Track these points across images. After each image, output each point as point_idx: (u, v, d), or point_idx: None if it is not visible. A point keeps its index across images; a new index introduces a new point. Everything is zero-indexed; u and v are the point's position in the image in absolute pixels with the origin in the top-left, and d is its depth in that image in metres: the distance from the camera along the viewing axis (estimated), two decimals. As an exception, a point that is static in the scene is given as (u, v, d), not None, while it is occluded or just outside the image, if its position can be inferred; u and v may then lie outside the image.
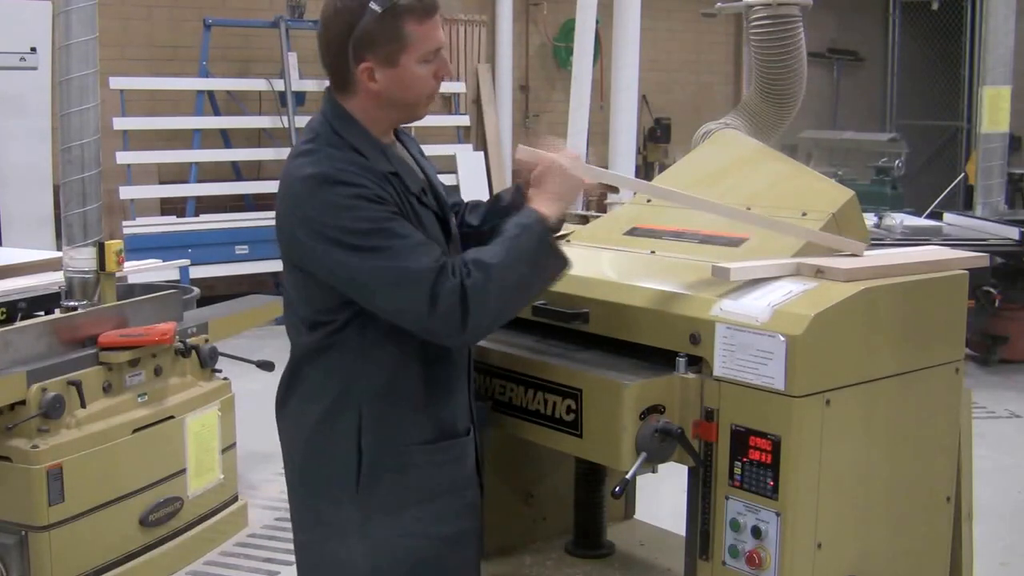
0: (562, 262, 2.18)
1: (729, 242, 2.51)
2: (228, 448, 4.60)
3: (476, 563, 2.37)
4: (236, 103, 9.46)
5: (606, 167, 7.45)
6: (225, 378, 4.64)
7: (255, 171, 9.60)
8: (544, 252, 2.14)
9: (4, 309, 4.21)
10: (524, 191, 2.32)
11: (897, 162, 9.87)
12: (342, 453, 2.20)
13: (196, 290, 5.03)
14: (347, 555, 2.23)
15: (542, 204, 2.19)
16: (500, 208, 2.44)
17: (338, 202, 2.08)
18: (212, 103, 9.20)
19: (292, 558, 2.44)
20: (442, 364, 2.23)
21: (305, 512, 2.30)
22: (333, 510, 2.23)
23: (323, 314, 2.19)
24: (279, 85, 8.94)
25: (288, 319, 2.30)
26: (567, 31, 10.89)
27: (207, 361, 4.47)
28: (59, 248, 4.63)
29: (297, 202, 2.13)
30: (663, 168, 10.22)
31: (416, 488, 2.22)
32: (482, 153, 10.76)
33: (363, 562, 2.22)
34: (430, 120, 9.75)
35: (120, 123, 8.41)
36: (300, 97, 9.08)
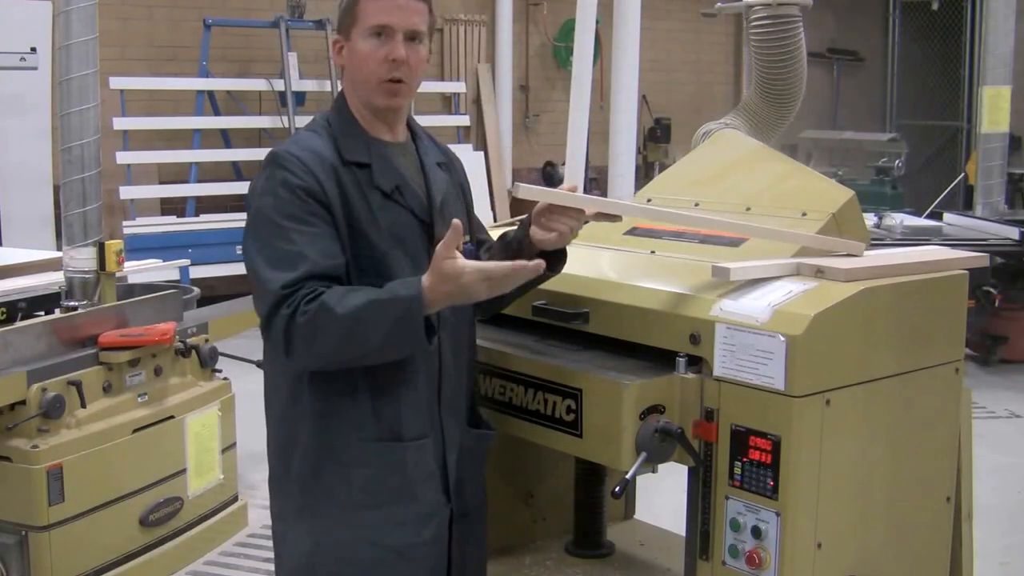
0: (419, 344, 2.06)
1: (729, 242, 2.51)
2: (228, 448, 4.60)
3: None
4: (236, 103, 9.46)
5: (606, 167, 7.46)
6: (225, 378, 4.64)
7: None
8: (402, 329, 2.03)
9: (4, 309, 4.21)
10: (528, 227, 2.27)
11: (897, 162, 9.87)
12: (289, 446, 2.23)
13: (196, 290, 5.03)
14: (288, 544, 2.26)
15: (429, 284, 2.03)
16: (508, 244, 2.35)
17: (266, 184, 2.15)
18: (212, 103, 9.20)
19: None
20: (388, 364, 2.15)
21: (273, 502, 2.34)
22: (284, 500, 2.27)
23: None
24: (279, 85, 8.94)
25: None
26: (567, 31, 10.91)
27: (207, 361, 4.47)
28: (59, 248, 4.63)
29: (255, 179, 2.22)
30: (663, 168, 10.23)
31: (362, 489, 2.19)
32: (482, 153, 10.76)
33: (297, 551, 2.24)
34: (430, 120, 9.76)
35: (120, 123, 8.41)
36: (300, 97, 9.08)
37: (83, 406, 3.82)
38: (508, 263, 2.05)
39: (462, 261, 2.02)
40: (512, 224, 3.25)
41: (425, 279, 2.04)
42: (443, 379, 2.26)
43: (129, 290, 4.66)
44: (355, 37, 2.19)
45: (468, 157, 10.33)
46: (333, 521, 2.20)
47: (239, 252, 7.75)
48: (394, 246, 2.18)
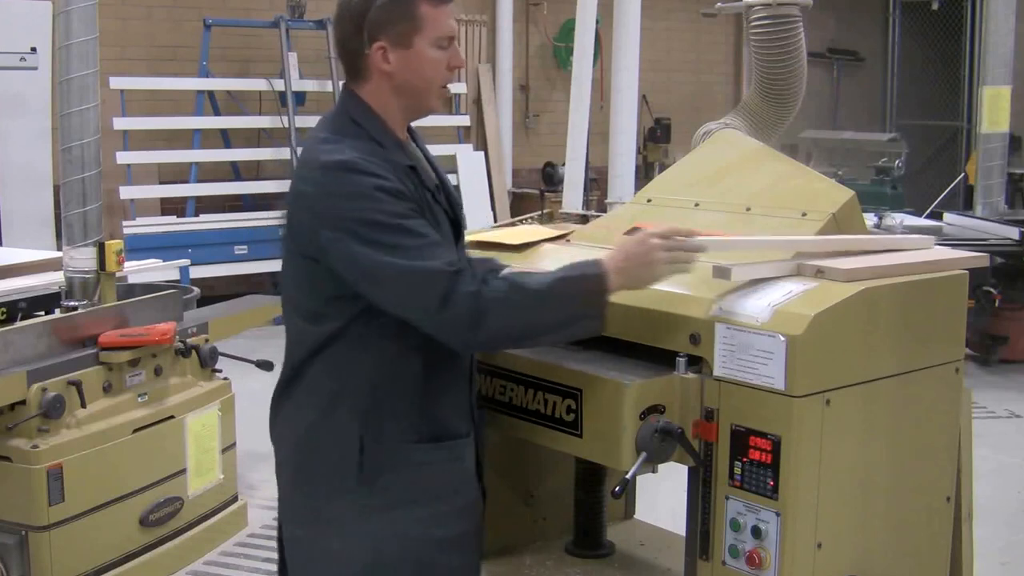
0: (597, 325, 2.15)
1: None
2: (228, 448, 4.60)
3: (476, 565, 2.36)
4: (236, 103, 9.45)
5: (606, 167, 7.46)
6: (225, 378, 4.64)
7: (255, 171, 9.60)
8: (587, 311, 2.13)
9: (4, 309, 4.21)
10: None
11: (897, 162, 9.87)
12: (342, 447, 2.19)
13: (196, 290, 5.03)
14: (344, 549, 2.22)
15: (614, 264, 2.15)
16: None
17: (360, 192, 2.08)
18: (212, 103, 9.20)
19: (292, 558, 2.43)
20: (443, 363, 2.22)
21: (301, 507, 2.29)
22: (331, 505, 2.23)
23: (328, 305, 2.17)
24: (279, 85, 8.94)
25: (288, 315, 2.28)
26: (567, 31, 10.89)
27: (207, 361, 4.47)
28: (59, 248, 4.63)
29: (319, 188, 2.12)
30: (663, 168, 10.22)
31: (415, 488, 2.21)
32: (482, 153, 10.76)
33: (361, 556, 2.21)
34: (430, 120, 9.68)
35: (120, 123, 8.40)
36: (300, 97, 9.08)
37: (83, 406, 3.82)
38: (691, 242, 2.17)
39: (644, 231, 2.14)
40: (513, 224, 3.26)
41: (604, 257, 2.14)
42: (472, 373, 2.33)
43: (129, 290, 4.66)
44: (419, 45, 2.17)
45: (468, 157, 10.33)
46: (392, 520, 2.20)
47: (239, 252, 7.71)
48: (446, 244, 2.21)
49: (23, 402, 3.64)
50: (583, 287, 2.12)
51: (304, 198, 2.15)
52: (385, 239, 2.06)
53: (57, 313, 4.21)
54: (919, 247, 2.53)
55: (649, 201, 2.82)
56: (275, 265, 7.91)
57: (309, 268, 2.17)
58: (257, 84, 9.21)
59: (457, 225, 2.31)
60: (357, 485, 2.19)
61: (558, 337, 2.20)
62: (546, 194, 10.67)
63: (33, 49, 7.79)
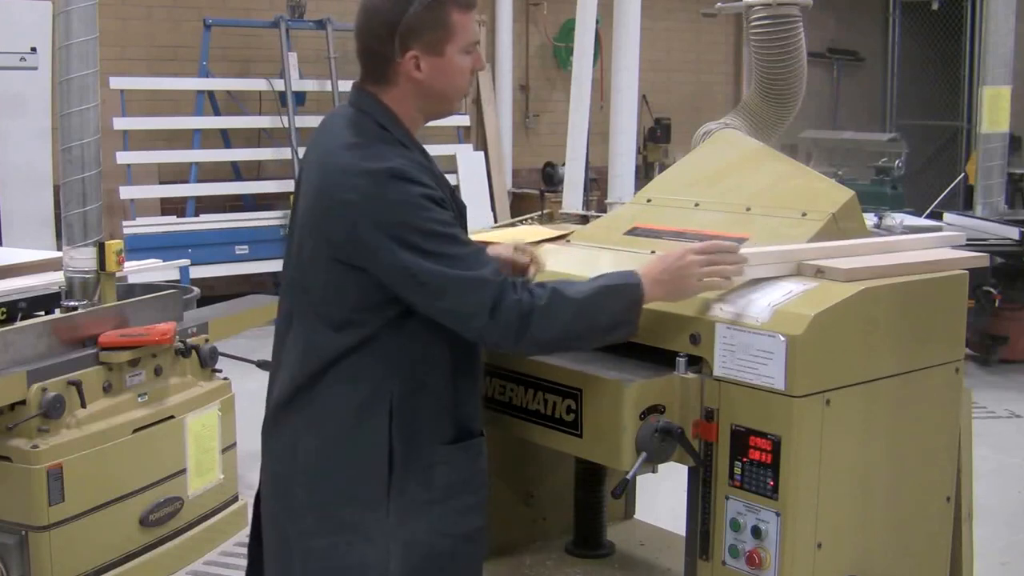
0: (632, 331, 2.21)
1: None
2: (228, 448, 4.60)
3: (482, 559, 2.38)
4: (236, 103, 9.45)
5: (606, 167, 7.46)
6: (225, 378, 4.64)
7: (255, 171, 9.60)
8: (624, 318, 2.17)
9: (4, 309, 4.21)
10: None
11: (897, 162, 9.87)
12: (371, 457, 2.17)
13: (196, 290, 5.03)
14: (376, 558, 2.19)
15: (651, 275, 2.20)
16: None
17: (408, 200, 2.09)
18: (212, 103, 9.20)
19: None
20: (465, 367, 2.25)
21: (320, 519, 2.22)
22: (360, 514, 2.19)
23: (359, 313, 2.15)
24: (279, 85, 8.93)
25: (303, 324, 2.23)
26: (567, 31, 10.89)
27: (207, 361, 4.47)
28: (59, 248, 4.63)
29: (365, 195, 2.09)
30: (663, 168, 10.22)
31: (439, 487, 2.22)
32: (482, 153, 10.75)
33: (396, 565, 2.18)
34: (430, 121, 9.71)
35: (120, 123, 8.40)
36: (300, 97, 9.07)
37: (83, 406, 3.82)
38: (731, 258, 2.21)
39: (682, 244, 2.21)
40: (513, 224, 3.26)
41: (642, 267, 2.20)
42: (480, 372, 2.37)
43: (129, 290, 4.66)
44: (450, 53, 2.19)
45: (468, 157, 10.33)
46: (415, 520, 2.20)
47: (239, 252, 7.72)
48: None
49: (23, 402, 3.64)
50: (621, 297, 2.17)
51: (348, 206, 2.11)
52: (434, 247, 2.08)
53: (57, 313, 4.21)
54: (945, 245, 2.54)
55: (649, 201, 2.82)
56: (276, 265, 7.92)
57: (349, 276, 2.14)
58: (257, 84, 9.21)
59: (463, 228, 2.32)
60: (388, 493, 2.18)
61: (596, 343, 2.25)
62: (546, 194, 10.67)
63: (33, 49, 7.79)
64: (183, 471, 4.29)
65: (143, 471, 4.08)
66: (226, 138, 9.30)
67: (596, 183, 10.24)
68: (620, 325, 2.18)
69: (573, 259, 2.57)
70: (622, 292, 2.17)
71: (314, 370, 2.20)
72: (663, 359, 2.23)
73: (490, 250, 2.39)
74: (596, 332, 2.19)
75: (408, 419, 2.18)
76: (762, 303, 2.13)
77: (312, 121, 8.40)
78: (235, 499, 4.68)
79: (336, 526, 2.21)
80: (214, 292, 7.08)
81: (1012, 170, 9.97)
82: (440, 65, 2.19)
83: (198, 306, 4.91)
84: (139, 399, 4.09)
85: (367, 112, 2.22)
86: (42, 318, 4.08)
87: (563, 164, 7.22)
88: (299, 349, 2.23)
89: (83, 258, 4.30)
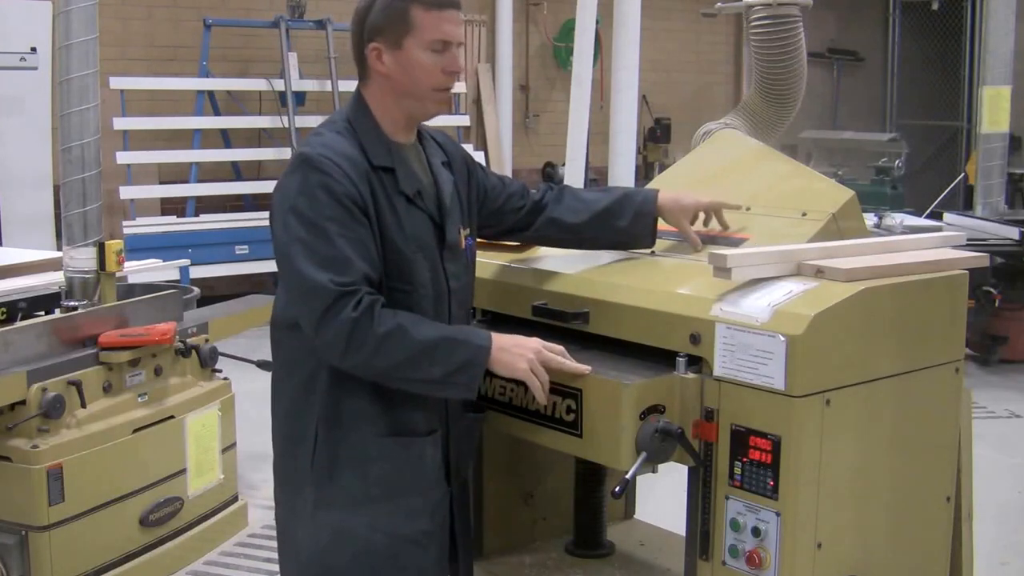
0: (471, 393, 2.20)
1: (730, 243, 2.51)
2: (228, 448, 4.60)
3: (441, 565, 2.37)
4: (236, 103, 9.45)
5: (606, 167, 7.46)
6: (225, 378, 4.64)
7: (255, 171, 9.59)
8: (464, 373, 2.16)
9: (4, 309, 4.21)
10: (654, 223, 2.53)
11: (897, 162, 9.87)
12: (305, 439, 2.25)
13: (196, 290, 5.03)
14: (306, 538, 2.27)
15: (499, 343, 2.18)
16: (615, 226, 2.54)
17: (302, 186, 2.16)
18: (212, 103, 9.20)
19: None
20: None
21: (278, 488, 2.36)
22: (295, 494, 2.29)
23: None
24: (279, 85, 8.93)
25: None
26: (567, 31, 10.89)
27: (207, 361, 4.47)
28: (59, 248, 4.63)
29: (283, 175, 2.23)
30: (663, 168, 10.22)
31: (376, 483, 2.24)
32: (482, 153, 10.76)
33: (312, 544, 2.26)
34: (430, 120, 9.71)
35: (120, 123, 8.40)
36: (300, 97, 9.07)
37: (83, 406, 3.82)
38: (570, 364, 2.20)
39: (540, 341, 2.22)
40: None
41: (494, 334, 2.19)
42: None
43: (129, 290, 4.66)
44: (410, 47, 2.23)
45: (468, 157, 10.32)
46: (349, 514, 2.24)
47: (239, 252, 7.72)
48: (417, 251, 2.25)
49: (23, 402, 3.64)
50: (465, 354, 2.15)
51: (276, 187, 2.26)
52: (303, 235, 2.13)
53: (57, 313, 4.21)
54: (945, 245, 2.54)
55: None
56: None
57: None
58: (257, 84, 9.21)
59: (441, 231, 2.32)
60: (309, 474, 2.25)
61: (426, 390, 2.22)
62: (546, 194, 10.65)
63: (33, 49, 7.79)
64: (183, 471, 4.29)
65: (143, 471, 4.08)
66: (226, 138, 9.30)
67: (596, 183, 10.25)
68: (453, 384, 2.16)
69: (573, 259, 2.57)
70: (467, 349, 2.16)
71: (274, 352, 2.33)
72: (663, 359, 2.23)
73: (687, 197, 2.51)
74: (429, 380, 2.16)
75: (334, 406, 2.23)
76: (762, 303, 2.13)
77: (312, 121, 8.40)
78: (235, 499, 4.68)
79: (282, 498, 2.35)
80: (214, 292, 7.08)
81: (1012, 170, 9.97)
82: (400, 58, 2.24)
83: (198, 306, 4.91)
84: (139, 399, 4.09)
85: (349, 106, 2.33)
86: (42, 318, 4.08)
87: (563, 164, 7.21)
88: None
89: (83, 258, 4.30)
